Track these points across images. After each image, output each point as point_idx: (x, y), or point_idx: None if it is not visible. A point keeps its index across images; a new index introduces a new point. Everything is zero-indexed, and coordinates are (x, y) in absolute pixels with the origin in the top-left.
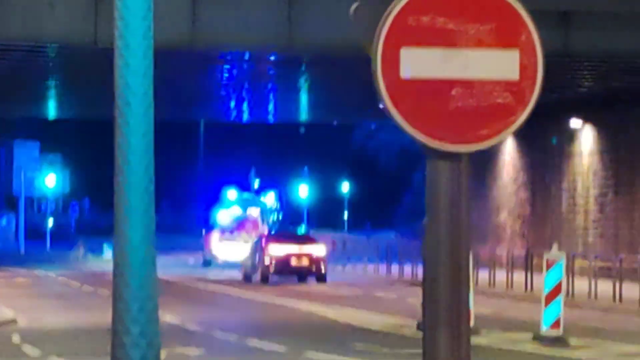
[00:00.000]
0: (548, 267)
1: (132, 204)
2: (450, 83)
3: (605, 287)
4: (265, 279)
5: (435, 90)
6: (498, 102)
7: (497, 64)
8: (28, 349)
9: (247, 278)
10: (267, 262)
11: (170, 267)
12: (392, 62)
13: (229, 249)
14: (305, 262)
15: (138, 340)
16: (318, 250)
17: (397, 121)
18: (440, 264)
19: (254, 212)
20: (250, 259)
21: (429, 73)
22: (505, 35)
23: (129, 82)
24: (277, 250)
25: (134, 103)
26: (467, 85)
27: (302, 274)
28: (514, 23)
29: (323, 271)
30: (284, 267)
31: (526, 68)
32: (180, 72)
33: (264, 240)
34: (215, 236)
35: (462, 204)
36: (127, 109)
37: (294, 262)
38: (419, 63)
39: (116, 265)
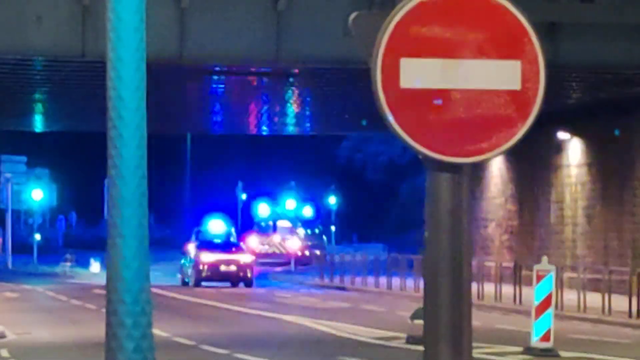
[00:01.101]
0: (538, 279)
1: (125, 218)
2: (451, 93)
3: (594, 299)
4: (198, 283)
5: (435, 101)
6: (499, 113)
7: (498, 75)
8: None
9: (184, 283)
10: (199, 268)
11: (154, 279)
12: (392, 73)
13: None
14: (233, 268)
15: (132, 356)
16: (245, 258)
17: (397, 132)
18: (441, 277)
19: (285, 224)
20: (187, 265)
21: (430, 84)
22: (507, 45)
23: (122, 95)
24: (208, 257)
25: (127, 116)
26: (468, 95)
27: (230, 279)
28: (517, 33)
29: (249, 276)
30: (214, 272)
31: (528, 78)
32: (167, 85)
33: (197, 249)
34: (191, 246)
35: (463, 216)
36: (120, 122)
37: (223, 268)
38: (419, 73)
39: (109, 279)
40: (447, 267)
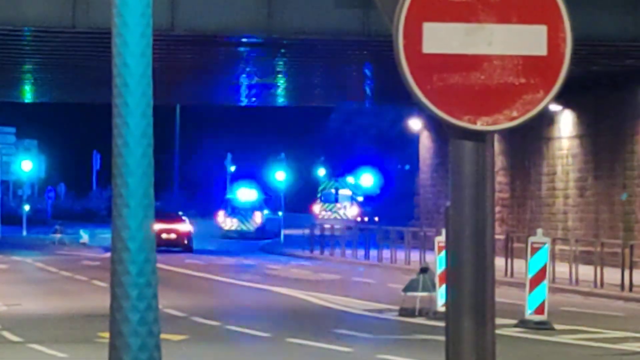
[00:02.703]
0: (532, 251)
1: (131, 187)
2: (475, 59)
3: (585, 271)
4: None
5: (458, 67)
6: (524, 80)
7: (523, 40)
8: (8, 335)
9: None
10: None
11: None
12: (414, 37)
13: (232, 222)
14: (173, 236)
15: (137, 328)
16: (184, 227)
17: (419, 98)
18: (464, 248)
19: (346, 192)
20: None
21: (453, 49)
22: (532, 10)
23: (127, 62)
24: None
25: (132, 83)
26: (492, 61)
27: (171, 246)
28: None
29: (187, 243)
30: (157, 240)
31: (554, 44)
32: (157, 55)
33: None
34: (221, 212)
35: (487, 186)
36: (125, 89)
37: (164, 236)
38: (442, 38)
39: (114, 250)
40: (470, 237)
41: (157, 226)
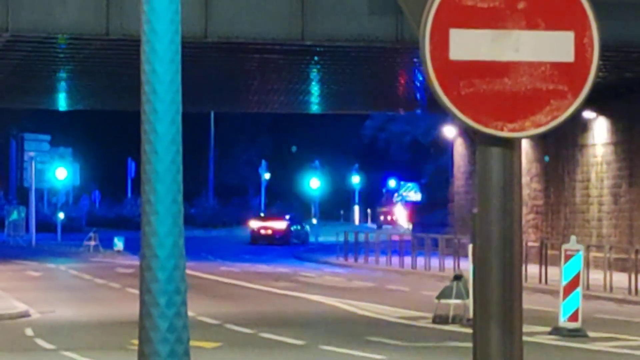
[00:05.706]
0: (566, 258)
1: (160, 194)
2: (502, 65)
3: (620, 278)
4: (254, 242)
5: (485, 73)
6: (552, 86)
7: (550, 46)
8: (41, 342)
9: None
10: (251, 231)
11: None
12: (441, 44)
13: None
14: (269, 232)
15: (166, 335)
16: (279, 224)
17: (446, 105)
18: (491, 255)
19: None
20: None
21: (480, 55)
22: (559, 16)
23: (156, 69)
24: (255, 224)
25: (161, 90)
26: (520, 68)
27: (269, 240)
28: (570, 3)
29: (280, 237)
30: (257, 234)
31: (582, 50)
32: (190, 63)
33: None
34: (399, 207)
35: (514, 193)
36: (154, 96)
37: (262, 232)
38: (469, 44)
39: (143, 257)
40: (498, 245)
41: (259, 224)
